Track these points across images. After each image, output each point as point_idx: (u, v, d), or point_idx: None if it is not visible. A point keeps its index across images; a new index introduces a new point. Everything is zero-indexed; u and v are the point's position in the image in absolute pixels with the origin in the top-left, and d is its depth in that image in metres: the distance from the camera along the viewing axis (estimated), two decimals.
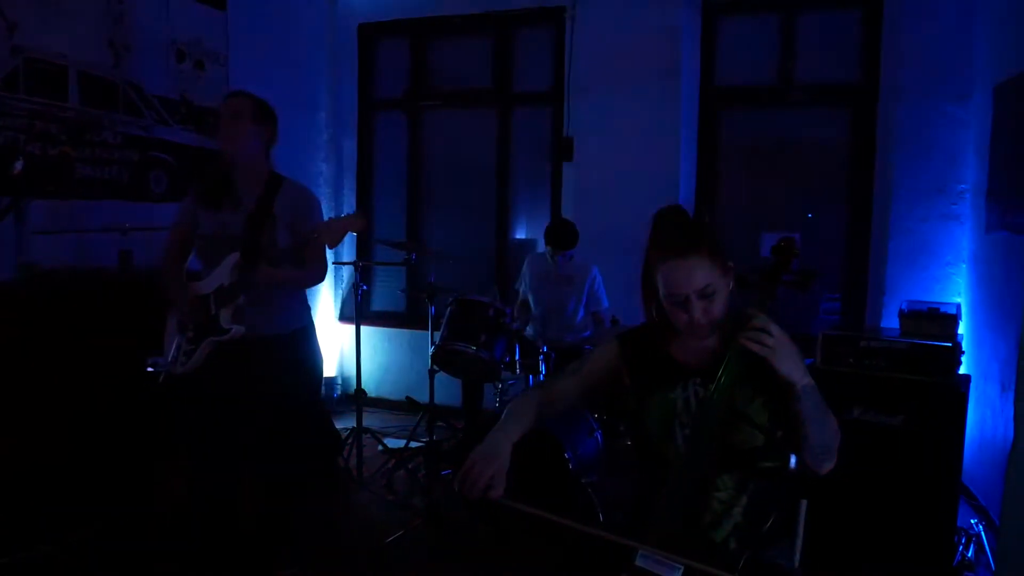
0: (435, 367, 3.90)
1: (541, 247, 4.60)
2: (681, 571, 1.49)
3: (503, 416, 1.81)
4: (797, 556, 1.83)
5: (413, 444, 4.40)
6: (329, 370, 5.78)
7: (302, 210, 2.81)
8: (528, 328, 4.31)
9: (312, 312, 3.04)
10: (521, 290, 4.54)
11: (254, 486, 2.95)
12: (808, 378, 1.56)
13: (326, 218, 2.75)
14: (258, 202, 2.75)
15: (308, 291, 3.01)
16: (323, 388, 5.64)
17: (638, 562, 1.53)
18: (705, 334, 1.69)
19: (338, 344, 5.87)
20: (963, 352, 3.32)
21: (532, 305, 4.42)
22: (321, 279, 2.89)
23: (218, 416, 2.80)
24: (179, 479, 3.38)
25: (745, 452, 1.66)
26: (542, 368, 3.72)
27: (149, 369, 2.83)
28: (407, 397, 4.71)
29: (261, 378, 2.79)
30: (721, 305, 1.66)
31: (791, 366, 1.54)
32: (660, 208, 1.78)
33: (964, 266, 4.24)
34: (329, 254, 2.91)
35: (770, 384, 1.59)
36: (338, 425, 4.36)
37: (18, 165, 2.47)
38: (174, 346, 2.79)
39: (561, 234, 4.20)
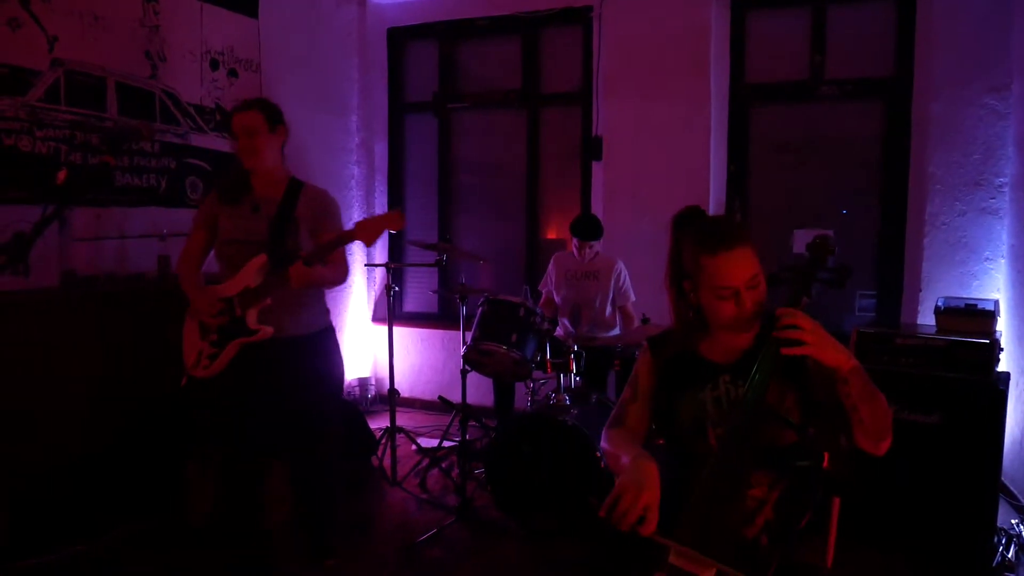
0: (467, 367, 3.93)
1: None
2: (714, 572, 1.49)
3: (612, 461, 1.75)
4: (829, 555, 1.82)
5: (446, 443, 4.45)
6: (363, 371, 5.85)
7: (321, 213, 2.87)
8: (559, 328, 4.32)
9: (334, 314, 3.12)
10: (545, 291, 4.56)
11: (284, 482, 3.03)
12: (853, 359, 1.56)
13: (359, 218, 2.82)
14: (279, 207, 2.82)
15: (342, 291, 3.07)
16: (358, 389, 5.73)
17: (672, 560, 1.53)
18: (751, 324, 1.69)
19: (371, 345, 5.93)
20: (1002, 349, 3.26)
21: (559, 303, 4.44)
22: (345, 278, 2.95)
23: (245, 414, 2.88)
24: (210, 483, 3.45)
25: (778, 450, 1.66)
26: (573, 367, 3.73)
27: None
28: (440, 397, 4.75)
29: (290, 377, 2.86)
30: (764, 290, 1.67)
31: (834, 352, 1.54)
32: (680, 211, 1.79)
33: (1003, 261, 4.15)
34: (363, 254, 3.00)
35: (803, 379, 1.58)
36: (372, 425, 4.41)
37: (61, 175, 2.56)
38: (196, 350, 2.85)
39: (586, 225, 4.30)
